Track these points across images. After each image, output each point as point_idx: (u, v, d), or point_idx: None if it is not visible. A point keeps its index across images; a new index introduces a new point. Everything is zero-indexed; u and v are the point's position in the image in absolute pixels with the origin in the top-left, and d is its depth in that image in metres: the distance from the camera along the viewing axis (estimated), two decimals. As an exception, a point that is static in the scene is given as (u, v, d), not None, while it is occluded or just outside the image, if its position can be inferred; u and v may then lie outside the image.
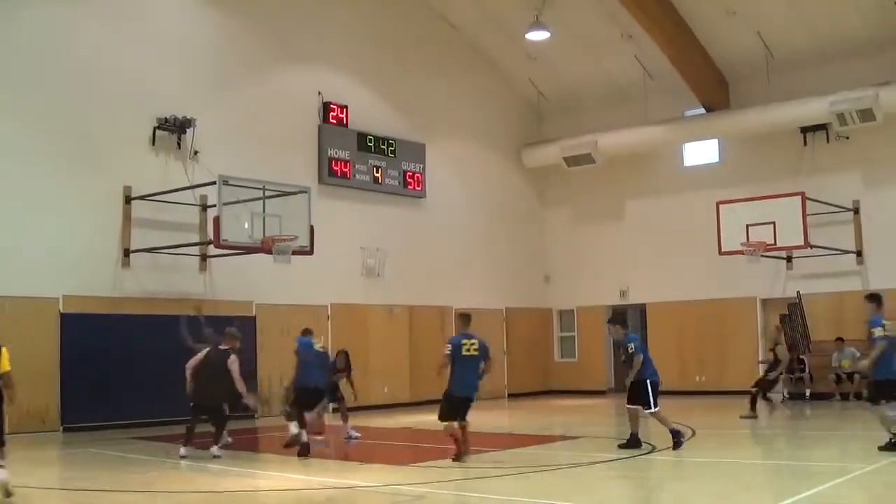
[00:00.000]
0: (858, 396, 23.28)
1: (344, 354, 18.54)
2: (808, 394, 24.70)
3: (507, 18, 28.29)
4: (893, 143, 25.45)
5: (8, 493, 11.03)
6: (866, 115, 24.52)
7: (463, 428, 14.28)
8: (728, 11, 26.15)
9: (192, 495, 12.00)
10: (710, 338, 27.99)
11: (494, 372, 29.13)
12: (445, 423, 14.24)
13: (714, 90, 28.06)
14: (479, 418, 22.65)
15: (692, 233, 27.65)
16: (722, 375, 27.48)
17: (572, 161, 29.70)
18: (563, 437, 18.56)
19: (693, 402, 24.25)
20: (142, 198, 21.23)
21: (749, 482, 12.56)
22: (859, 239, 25.77)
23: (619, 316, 16.69)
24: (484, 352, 14.52)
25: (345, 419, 18.16)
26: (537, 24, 26.56)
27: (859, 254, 25.73)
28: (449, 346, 14.35)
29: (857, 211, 25.81)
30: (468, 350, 14.29)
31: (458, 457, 14.09)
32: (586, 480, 12.91)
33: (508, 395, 29.69)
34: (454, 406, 14.29)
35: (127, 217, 21.30)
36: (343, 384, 18.40)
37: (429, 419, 18.63)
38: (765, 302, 27.29)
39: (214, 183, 19.55)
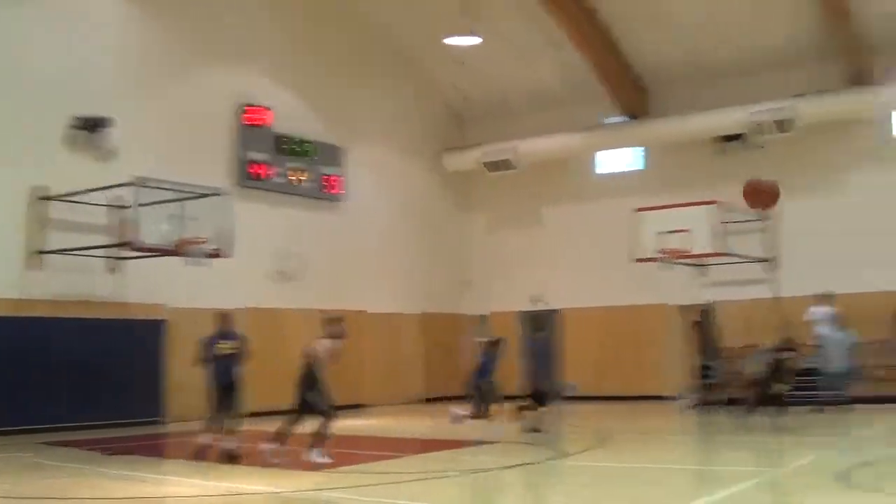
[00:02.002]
0: (769, 402, 23.62)
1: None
2: (717, 399, 24.96)
3: (433, 23, 28.27)
4: (807, 153, 26.01)
5: None
6: (783, 125, 24.99)
7: None
8: (651, 21, 26.47)
9: (103, 502, 11.81)
10: (625, 343, 28.27)
11: (411, 376, 29.48)
12: None
13: (635, 98, 28.38)
14: (396, 423, 22.71)
15: (609, 239, 27.83)
16: (636, 381, 27.76)
17: (493, 166, 29.80)
18: (479, 442, 18.53)
19: (608, 408, 24.48)
20: (56, 198, 20.86)
21: (660, 486, 12.68)
22: (772, 247, 26.15)
23: None
24: None
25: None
26: (462, 30, 26.54)
27: (771, 262, 26.11)
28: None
29: (770, 220, 26.18)
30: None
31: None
32: (500, 485, 12.95)
33: (426, 399, 29.69)
34: None
35: (39, 218, 20.89)
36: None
37: (345, 424, 18.54)
38: (679, 308, 27.58)
39: (130, 184, 19.27)
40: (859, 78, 25.20)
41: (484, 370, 18.69)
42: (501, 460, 15.21)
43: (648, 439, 18.95)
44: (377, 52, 29.70)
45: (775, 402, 18.52)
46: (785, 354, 18.90)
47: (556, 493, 12.77)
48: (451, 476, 13.63)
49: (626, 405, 25.79)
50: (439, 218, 31.54)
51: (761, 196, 13.10)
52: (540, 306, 29.11)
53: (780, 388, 18.52)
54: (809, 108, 25.03)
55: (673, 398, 25.69)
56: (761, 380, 18.70)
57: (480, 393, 18.43)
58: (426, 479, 13.33)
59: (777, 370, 18.66)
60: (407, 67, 30.74)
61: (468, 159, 30.80)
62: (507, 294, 30.66)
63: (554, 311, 29.42)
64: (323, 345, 14.62)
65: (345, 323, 15.09)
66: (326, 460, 13.98)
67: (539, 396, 19.24)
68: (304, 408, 14.51)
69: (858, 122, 25.66)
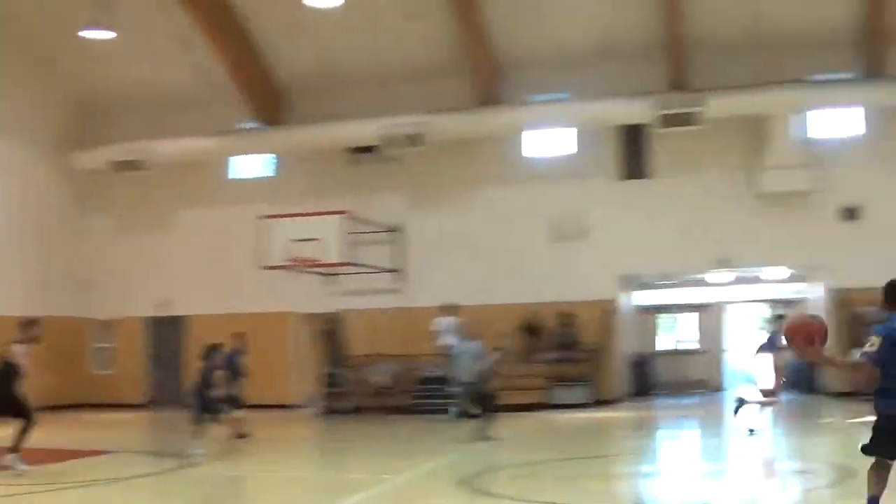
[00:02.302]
0: (396, 410, 24.21)
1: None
2: (344, 407, 25.32)
3: (64, 14, 26.75)
4: (439, 168, 27.02)
5: None
6: (415, 139, 25.64)
7: None
8: (289, 27, 26.50)
9: None
10: (252, 351, 28.04)
11: (26, 382, 27.85)
12: None
13: (270, 104, 28.28)
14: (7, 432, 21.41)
15: (240, 245, 27.56)
16: (263, 389, 27.51)
17: (123, 166, 28.60)
18: (97, 452, 17.80)
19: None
20: None
21: (288, 494, 12.69)
22: (401, 258, 26.89)
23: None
24: None
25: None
26: (95, 23, 25.35)
27: (399, 273, 26.84)
28: None
29: (400, 231, 26.90)
30: None
31: None
32: (118, 497, 12.51)
33: (43, 407, 28.13)
34: None
35: None
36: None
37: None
38: (307, 316, 27.79)
39: None
40: (491, 97, 26.38)
41: (206, 383, 17.64)
42: (126, 471, 14.69)
43: (276, 447, 18.94)
44: (4, 42, 27.96)
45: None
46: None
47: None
48: (68, 488, 12.99)
49: (253, 413, 25.61)
50: (63, 217, 30.01)
51: (805, 337, 10.40)
52: (167, 311, 28.48)
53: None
54: (441, 124, 25.80)
55: (300, 406, 25.80)
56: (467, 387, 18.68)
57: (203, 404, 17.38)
58: (38, 492, 12.61)
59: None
60: (36, 59, 28.98)
61: (97, 158, 29.40)
62: (134, 298, 29.71)
63: (181, 317, 28.89)
64: (19, 349, 13.75)
65: (40, 326, 14.32)
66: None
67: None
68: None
69: (490, 140, 26.85)
